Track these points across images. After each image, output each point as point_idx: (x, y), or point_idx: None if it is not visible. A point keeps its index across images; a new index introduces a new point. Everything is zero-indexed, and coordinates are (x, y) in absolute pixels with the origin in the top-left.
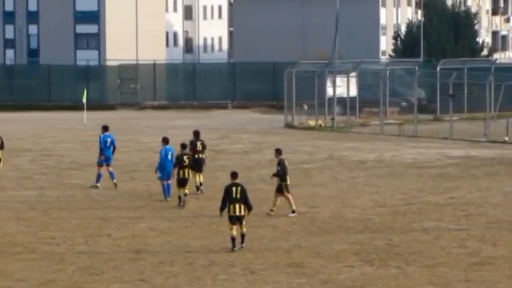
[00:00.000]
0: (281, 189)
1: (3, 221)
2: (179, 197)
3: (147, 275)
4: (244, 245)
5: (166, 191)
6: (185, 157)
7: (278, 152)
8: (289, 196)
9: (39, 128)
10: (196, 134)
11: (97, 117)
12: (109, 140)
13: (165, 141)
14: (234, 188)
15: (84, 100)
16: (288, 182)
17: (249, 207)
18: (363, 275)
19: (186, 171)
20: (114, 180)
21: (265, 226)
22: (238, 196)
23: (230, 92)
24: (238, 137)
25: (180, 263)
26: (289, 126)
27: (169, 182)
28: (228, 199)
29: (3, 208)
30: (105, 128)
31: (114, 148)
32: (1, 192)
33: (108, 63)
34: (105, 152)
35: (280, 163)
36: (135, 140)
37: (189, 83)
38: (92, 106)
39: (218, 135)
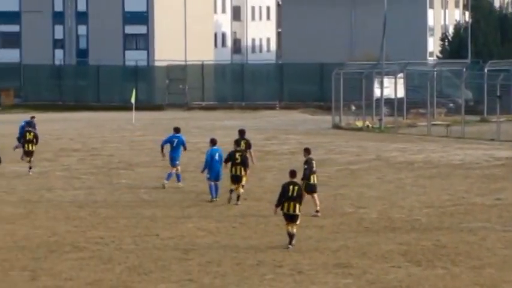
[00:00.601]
0: (310, 188)
1: (52, 221)
2: (231, 190)
3: (194, 275)
4: (293, 244)
5: (213, 191)
6: (237, 154)
7: (307, 151)
8: (315, 196)
9: (88, 128)
10: (241, 132)
11: (145, 117)
12: (176, 140)
13: (213, 142)
14: (291, 187)
15: (133, 100)
16: (314, 181)
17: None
18: (410, 275)
19: (238, 168)
20: (166, 181)
21: (312, 227)
22: (295, 194)
23: (278, 92)
24: (285, 138)
25: (228, 263)
26: (337, 127)
27: (217, 182)
28: (284, 197)
29: (52, 208)
30: (176, 130)
31: (185, 149)
32: (50, 192)
33: (157, 63)
34: (173, 152)
35: (307, 162)
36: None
37: (237, 83)
38: (141, 106)
39: (266, 136)
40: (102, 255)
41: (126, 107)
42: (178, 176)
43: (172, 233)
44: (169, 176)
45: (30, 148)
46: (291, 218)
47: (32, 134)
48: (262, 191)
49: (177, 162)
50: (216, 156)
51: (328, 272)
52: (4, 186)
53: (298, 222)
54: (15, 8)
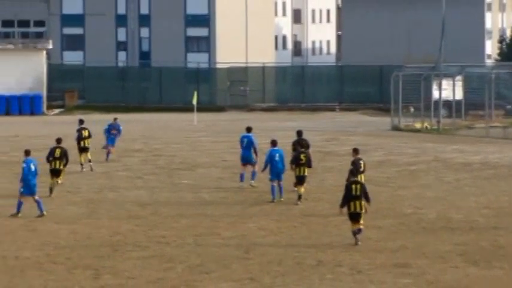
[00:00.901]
0: None
1: (115, 220)
2: (299, 196)
3: (255, 274)
4: (359, 241)
5: (275, 192)
6: (302, 155)
7: (355, 151)
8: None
9: (150, 129)
10: (299, 133)
11: (207, 118)
12: (246, 140)
13: (274, 143)
14: (354, 186)
15: (195, 102)
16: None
17: (367, 199)
18: (468, 275)
19: (303, 169)
20: (252, 181)
21: (371, 227)
22: (358, 193)
23: (338, 94)
24: (345, 139)
25: (288, 263)
26: (396, 128)
27: (280, 182)
28: (348, 197)
29: (115, 207)
30: (248, 129)
31: (255, 149)
32: (113, 191)
33: (218, 65)
34: (244, 152)
35: (354, 163)
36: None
37: (297, 85)
38: (202, 108)
39: (326, 137)
40: (163, 254)
41: (187, 108)
42: (253, 174)
43: (233, 233)
44: (253, 174)
45: (86, 144)
46: (356, 217)
47: (87, 131)
48: (322, 191)
49: (253, 161)
50: (277, 157)
51: (387, 271)
52: (68, 186)
53: (362, 220)
54: (79, 11)
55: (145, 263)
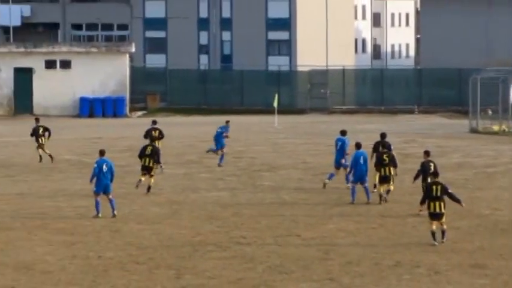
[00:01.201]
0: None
1: (196, 221)
2: (380, 195)
3: (335, 274)
4: (444, 239)
5: (355, 194)
6: (384, 156)
7: (426, 153)
8: None
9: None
10: (383, 135)
11: (287, 121)
12: (340, 143)
13: (358, 146)
14: (434, 186)
15: (275, 104)
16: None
17: (456, 200)
18: None
19: (387, 168)
20: (348, 184)
21: (449, 228)
22: (439, 194)
23: (416, 97)
24: (424, 141)
25: (367, 263)
26: (474, 131)
27: (363, 185)
28: (428, 196)
29: (197, 208)
30: (342, 132)
31: (344, 151)
32: (195, 192)
33: (299, 68)
34: (337, 154)
35: (423, 164)
36: (324, 144)
37: (376, 88)
38: (283, 110)
39: (404, 139)
40: (244, 254)
41: (268, 110)
42: (347, 177)
43: (313, 234)
44: (331, 175)
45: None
46: (436, 216)
47: (157, 131)
48: (401, 192)
49: (346, 164)
50: (361, 160)
51: (464, 272)
52: (152, 187)
53: (443, 219)
54: (162, 15)
55: (226, 263)
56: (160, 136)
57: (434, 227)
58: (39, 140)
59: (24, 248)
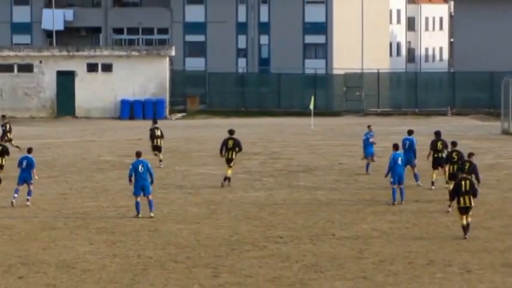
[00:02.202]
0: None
1: (234, 220)
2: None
3: (368, 273)
4: (469, 234)
5: (396, 194)
6: (454, 154)
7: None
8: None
9: (268, 132)
10: (438, 134)
11: (323, 123)
12: (408, 143)
13: (396, 147)
14: (463, 182)
15: (312, 107)
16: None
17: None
18: None
19: (457, 167)
20: (418, 182)
21: (480, 228)
22: (468, 189)
23: (450, 100)
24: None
25: (400, 262)
26: (506, 132)
27: (401, 186)
28: (457, 192)
29: (234, 208)
30: (409, 132)
31: (414, 152)
32: (232, 193)
33: (335, 71)
34: (406, 155)
35: (462, 163)
36: (359, 145)
37: (410, 91)
38: (319, 112)
39: None
40: (280, 253)
41: (305, 113)
42: (415, 176)
43: (347, 233)
44: (416, 176)
45: (159, 144)
46: (465, 210)
47: (159, 131)
48: (433, 193)
49: (414, 163)
50: (399, 161)
51: (496, 271)
52: (189, 188)
53: (470, 213)
54: (201, 19)
55: (263, 262)
56: (162, 135)
57: (464, 221)
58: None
59: (66, 247)
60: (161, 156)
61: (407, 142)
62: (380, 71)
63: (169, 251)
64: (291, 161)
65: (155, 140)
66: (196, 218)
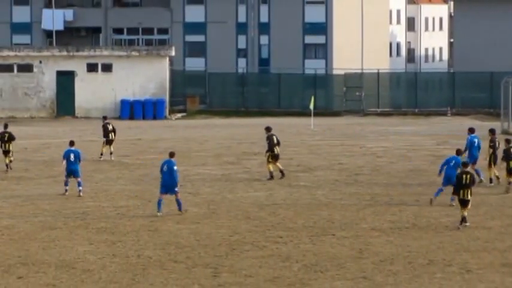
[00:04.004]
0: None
1: (233, 220)
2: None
3: (368, 273)
4: (468, 223)
5: (438, 194)
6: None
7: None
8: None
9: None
10: (493, 131)
11: (323, 123)
12: (476, 140)
13: (458, 152)
14: (464, 176)
15: (311, 107)
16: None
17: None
18: None
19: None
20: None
21: (480, 228)
22: (468, 182)
23: (449, 100)
24: (456, 143)
25: (400, 262)
26: (505, 132)
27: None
28: (460, 185)
29: (234, 208)
30: (472, 130)
31: (479, 148)
32: (232, 193)
33: (335, 72)
34: (474, 152)
35: (506, 151)
36: (359, 145)
37: (410, 91)
38: (319, 112)
39: (437, 141)
40: (280, 253)
41: (305, 113)
42: (477, 172)
43: (347, 233)
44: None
45: (111, 137)
46: (464, 203)
47: (111, 125)
48: (433, 192)
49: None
50: (452, 163)
51: (496, 271)
52: (190, 188)
53: (469, 206)
54: (201, 19)
55: (263, 262)
56: (114, 130)
57: (465, 213)
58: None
59: (65, 247)
60: (112, 149)
61: (476, 140)
62: (380, 71)
63: (169, 251)
64: (291, 161)
65: (109, 135)
66: (196, 218)
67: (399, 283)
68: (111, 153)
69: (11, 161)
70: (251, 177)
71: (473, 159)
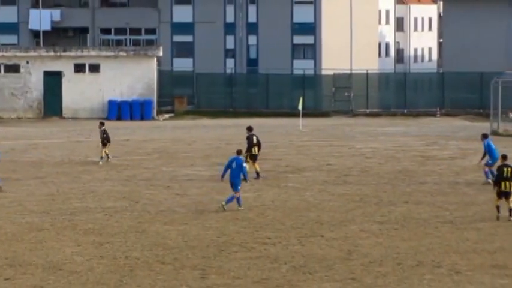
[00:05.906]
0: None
1: (221, 222)
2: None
3: (357, 274)
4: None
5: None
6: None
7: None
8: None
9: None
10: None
11: (312, 123)
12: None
13: (504, 158)
14: (505, 168)
15: (300, 107)
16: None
17: None
18: None
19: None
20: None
21: (470, 229)
22: (509, 175)
23: (439, 100)
24: (445, 144)
25: (389, 264)
26: (495, 133)
27: None
28: (500, 177)
29: (222, 209)
30: (484, 136)
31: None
32: (220, 194)
33: (323, 72)
34: (494, 154)
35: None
36: (347, 146)
37: (399, 91)
38: (308, 113)
39: (427, 142)
40: (269, 254)
41: (293, 113)
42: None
43: (336, 234)
44: (487, 174)
45: (106, 141)
46: (505, 195)
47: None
48: (422, 194)
49: (490, 162)
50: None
51: (485, 272)
52: (178, 189)
53: (511, 198)
54: (189, 20)
55: (251, 264)
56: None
57: (498, 203)
58: None
59: (53, 249)
60: (107, 151)
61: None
62: (369, 71)
63: (157, 252)
64: (280, 162)
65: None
66: (184, 219)
67: (388, 284)
68: (107, 155)
69: None
70: None
71: (495, 161)
